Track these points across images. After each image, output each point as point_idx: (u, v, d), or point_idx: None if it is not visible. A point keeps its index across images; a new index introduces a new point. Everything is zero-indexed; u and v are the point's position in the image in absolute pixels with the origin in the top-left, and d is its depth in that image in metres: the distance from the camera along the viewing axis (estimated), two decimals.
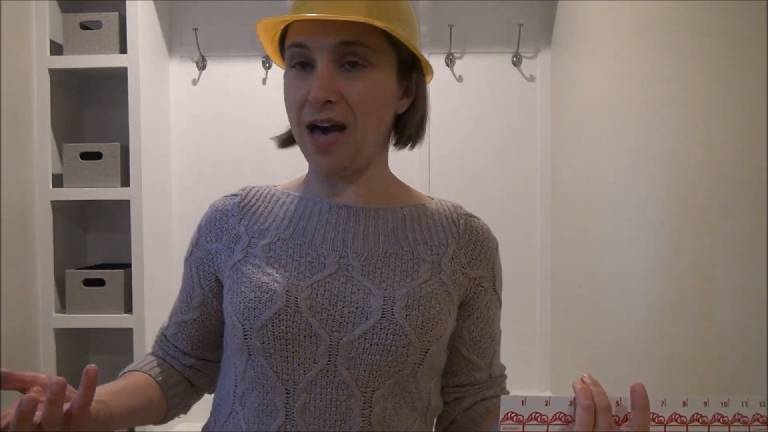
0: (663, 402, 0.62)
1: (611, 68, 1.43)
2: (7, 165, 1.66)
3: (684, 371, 1.04)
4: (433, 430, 0.87)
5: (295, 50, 0.75)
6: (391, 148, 0.87)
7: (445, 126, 1.99)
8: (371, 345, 0.74)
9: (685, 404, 0.62)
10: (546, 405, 0.65)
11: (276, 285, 0.76)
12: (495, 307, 0.88)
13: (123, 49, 1.80)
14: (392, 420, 0.75)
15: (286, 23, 0.77)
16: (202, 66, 2.01)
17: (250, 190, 0.87)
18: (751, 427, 0.61)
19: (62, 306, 1.85)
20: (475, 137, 2.00)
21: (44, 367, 1.79)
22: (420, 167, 1.98)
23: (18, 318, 1.70)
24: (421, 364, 0.77)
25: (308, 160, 0.80)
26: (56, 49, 1.83)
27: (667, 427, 0.62)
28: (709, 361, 0.96)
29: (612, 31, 1.43)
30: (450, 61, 1.99)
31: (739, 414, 0.62)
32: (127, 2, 1.77)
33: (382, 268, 0.78)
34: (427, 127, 0.87)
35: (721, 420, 0.62)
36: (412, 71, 0.81)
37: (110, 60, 1.79)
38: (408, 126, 0.84)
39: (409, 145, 0.87)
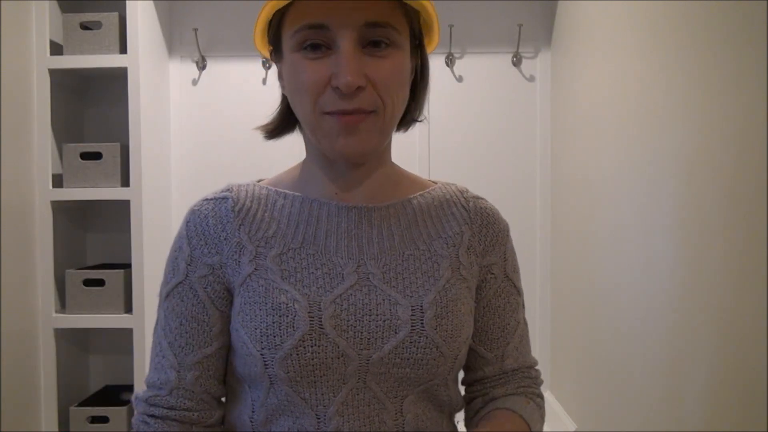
0: None
1: (611, 68, 1.43)
2: (7, 165, 1.66)
3: (686, 370, 1.04)
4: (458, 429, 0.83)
5: (310, 32, 0.66)
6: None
7: (445, 126, 2.00)
8: (402, 359, 0.70)
9: None
10: None
11: (297, 305, 0.69)
12: (507, 295, 0.81)
13: (123, 49, 1.80)
14: (423, 424, 0.74)
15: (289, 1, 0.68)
16: (202, 66, 2.01)
17: (239, 189, 0.77)
18: None
19: (62, 306, 1.85)
20: (475, 137, 2.00)
21: (44, 367, 1.79)
22: (420, 167, 1.98)
23: (18, 318, 1.70)
24: (451, 371, 0.74)
25: (327, 146, 0.70)
26: (56, 49, 1.83)
27: None
28: (711, 359, 0.96)
29: (612, 31, 1.43)
30: (450, 61, 1.99)
31: None
32: (127, 2, 1.77)
33: (403, 272, 0.74)
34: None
35: None
36: (417, 45, 0.76)
37: (110, 60, 1.79)
38: (414, 107, 0.78)
39: (403, 128, 0.81)
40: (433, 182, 0.85)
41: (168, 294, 0.75)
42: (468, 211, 0.80)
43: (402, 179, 0.82)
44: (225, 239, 0.74)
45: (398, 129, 0.80)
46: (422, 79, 0.78)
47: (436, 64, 1.99)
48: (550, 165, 1.98)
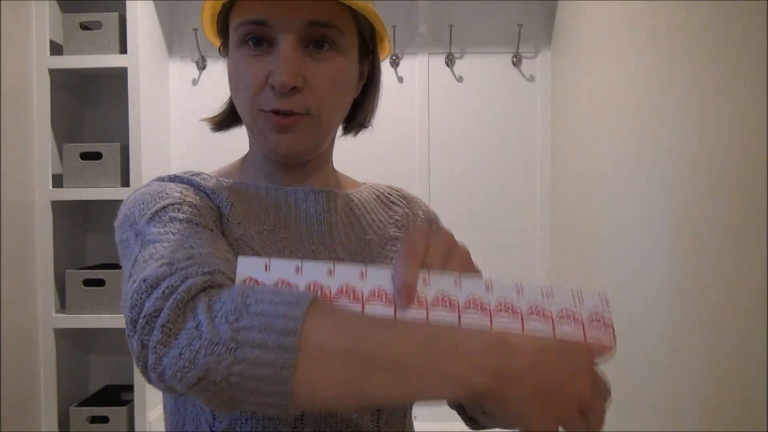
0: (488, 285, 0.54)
1: (611, 68, 1.43)
2: (7, 165, 1.66)
3: (685, 369, 1.04)
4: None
5: (251, 27, 0.66)
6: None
7: (445, 126, 1.99)
8: None
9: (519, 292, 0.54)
10: (297, 273, 0.54)
11: None
12: None
13: (123, 49, 1.80)
14: (394, 421, 0.73)
15: None
16: (202, 66, 2.01)
17: (200, 173, 0.74)
18: (588, 331, 0.53)
19: (62, 306, 1.85)
20: (475, 137, 2.00)
21: (44, 367, 1.79)
22: (420, 167, 1.98)
23: (18, 318, 1.70)
24: None
25: (263, 143, 0.70)
26: (56, 49, 1.83)
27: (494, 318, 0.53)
28: (710, 359, 0.96)
29: (612, 31, 1.43)
30: (450, 61, 1.99)
31: (568, 310, 0.53)
32: (127, 2, 1.77)
33: (368, 257, 0.74)
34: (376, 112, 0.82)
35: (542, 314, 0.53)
36: (369, 51, 0.75)
37: (110, 60, 1.79)
38: (362, 111, 0.79)
39: (352, 133, 0.82)
40: (364, 182, 0.88)
41: (153, 215, 0.62)
42: (404, 199, 0.85)
43: (340, 178, 0.85)
44: (213, 192, 0.70)
45: (346, 133, 0.82)
46: (372, 85, 0.78)
47: (436, 64, 1.99)
48: (550, 165, 1.98)
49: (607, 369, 0.53)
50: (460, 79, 2.00)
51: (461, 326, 0.53)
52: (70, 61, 1.79)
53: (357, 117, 0.80)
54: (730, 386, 0.91)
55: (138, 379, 1.78)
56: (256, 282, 0.53)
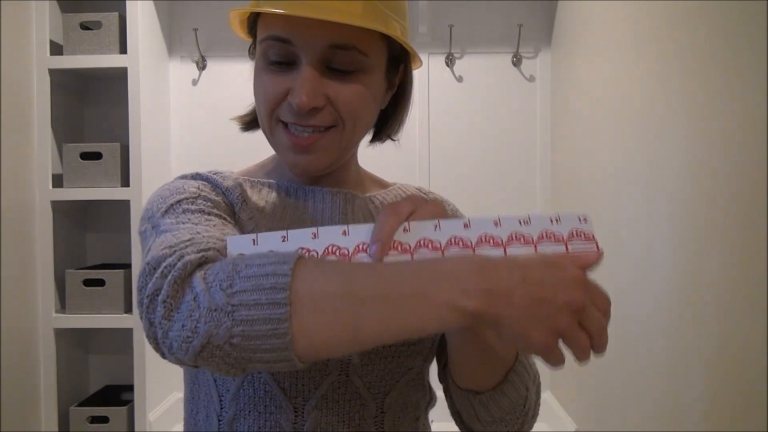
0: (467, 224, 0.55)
1: (611, 68, 1.43)
2: (7, 165, 1.66)
3: (686, 369, 1.04)
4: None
5: (274, 43, 0.66)
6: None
7: (445, 126, 2.00)
8: (384, 347, 0.68)
9: (497, 224, 0.55)
10: (284, 241, 0.55)
11: None
12: None
13: (123, 49, 1.80)
14: (402, 423, 0.72)
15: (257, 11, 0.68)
16: (202, 66, 2.01)
17: (222, 172, 0.76)
18: (569, 245, 0.55)
19: (62, 306, 1.85)
20: (475, 137, 2.00)
21: (44, 367, 1.79)
22: (420, 167, 1.98)
23: (18, 318, 1.70)
24: (429, 357, 0.74)
25: (280, 156, 0.72)
26: (56, 49, 1.83)
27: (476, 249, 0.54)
28: (710, 359, 0.96)
29: (612, 31, 1.43)
30: (450, 61, 1.99)
31: (547, 231, 0.55)
32: (127, 2, 1.77)
33: None
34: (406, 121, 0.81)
35: (523, 239, 0.55)
36: (399, 63, 0.74)
37: (110, 60, 1.79)
38: (392, 122, 0.79)
39: (382, 140, 0.81)
40: (393, 183, 0.86)
41: (169, 208, 0.66)
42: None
43: (365, 179, 0.83)
44: (228, 190, 0.72)
45: (373, 142, 0.81)
46: (402, 97, 0.78)
47: (436, 64, 1.99)
48: (550, 165, 1.98)
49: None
50: (460, 79, 2.00)
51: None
52: (70, 61, 1.79)
53: (386, 128, 0.79)
54: (731, 387, 0.91)
55: (138, 379, 1.78)
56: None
